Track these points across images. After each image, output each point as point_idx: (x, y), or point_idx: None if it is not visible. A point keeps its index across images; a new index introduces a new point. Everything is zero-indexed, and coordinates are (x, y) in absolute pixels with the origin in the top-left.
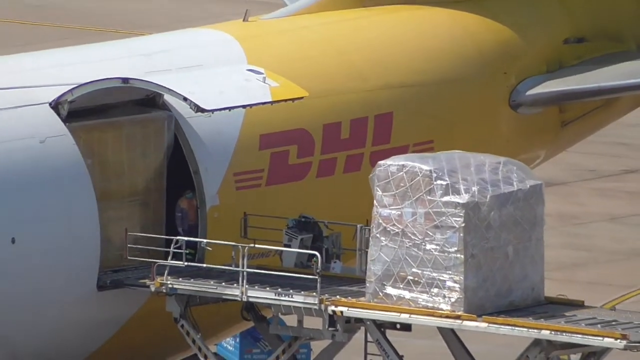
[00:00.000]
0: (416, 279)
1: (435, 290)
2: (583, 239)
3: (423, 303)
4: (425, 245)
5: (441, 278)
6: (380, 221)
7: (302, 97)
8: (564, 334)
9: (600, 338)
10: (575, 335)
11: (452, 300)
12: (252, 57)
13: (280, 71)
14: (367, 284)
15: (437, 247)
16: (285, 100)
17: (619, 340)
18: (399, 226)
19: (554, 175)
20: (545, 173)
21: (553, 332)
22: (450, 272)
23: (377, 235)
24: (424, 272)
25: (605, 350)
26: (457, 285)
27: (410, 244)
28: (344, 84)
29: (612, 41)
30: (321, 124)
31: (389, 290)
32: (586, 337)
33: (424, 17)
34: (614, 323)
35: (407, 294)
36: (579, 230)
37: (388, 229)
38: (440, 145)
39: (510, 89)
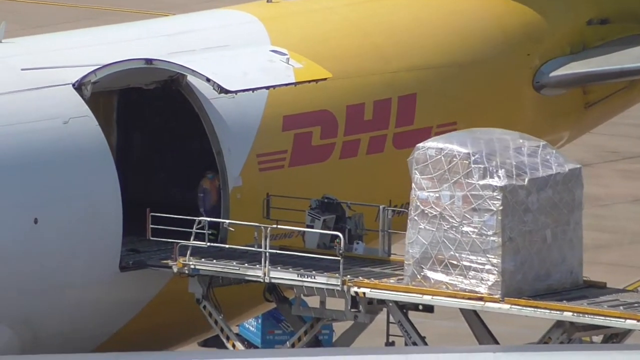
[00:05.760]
0: (454, 262)
1: (473, 273)
2: (606, 220)
3: (461, 286)
4: (463, 228)
5: (479, 261)
6: (418, 204)
7: (325, 78)
8: (586, 315)
9: (623, 320)
10: (597, 317)
11: (490, 283)
12: (275, 38)
13: (304, 52)
14: (405, 267)
15: (475, 230)
16: (309, 82)
17: None
18: (437, 209)
19: (578, 156)
20: (568, 154)
21: (575, 314)
22: (488, 256)
23: (415, 218)
24: (462, 255)
25: (628, 332)
26: (494, 269)
27: (448, 226)
28: (368, 65)
29: (635, 22)
30: (344, 105)
31: (427, 273)
32: (608, 319)
33: None
34: (636, 305)
35: (444, 277)
36: (603, 212)
37: (426, 211)
38: (464, 127)
39: (533, 70)
